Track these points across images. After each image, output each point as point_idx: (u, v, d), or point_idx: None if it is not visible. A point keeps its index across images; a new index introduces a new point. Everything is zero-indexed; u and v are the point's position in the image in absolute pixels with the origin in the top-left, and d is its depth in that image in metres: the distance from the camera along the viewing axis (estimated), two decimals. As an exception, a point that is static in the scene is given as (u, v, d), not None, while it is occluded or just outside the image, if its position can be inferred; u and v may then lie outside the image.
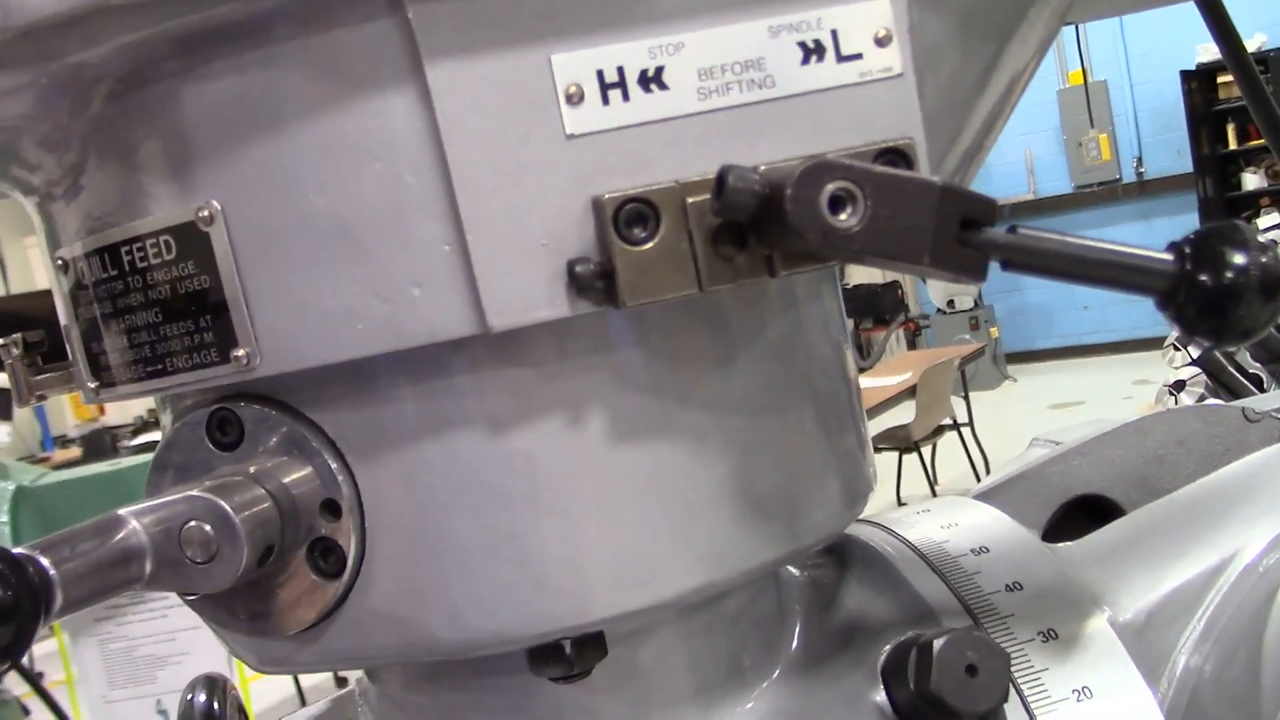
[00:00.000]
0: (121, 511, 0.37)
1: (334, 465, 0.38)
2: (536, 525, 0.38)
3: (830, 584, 0.51)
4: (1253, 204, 9.06)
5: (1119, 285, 0.35)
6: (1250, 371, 1.05)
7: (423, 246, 0.34)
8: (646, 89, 0.35)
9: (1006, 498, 0.59)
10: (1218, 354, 1.07)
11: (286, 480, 0.38)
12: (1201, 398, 1.02)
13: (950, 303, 9.66)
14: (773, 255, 0.35)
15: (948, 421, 6.13)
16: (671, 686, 0.44)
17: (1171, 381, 0.99)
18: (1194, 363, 1.06)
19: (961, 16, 0.40)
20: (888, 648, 0.46)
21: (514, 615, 0.38)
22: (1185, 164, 9.25)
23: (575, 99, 0.34)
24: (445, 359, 0.37)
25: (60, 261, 0.40)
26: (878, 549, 0.51)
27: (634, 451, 0.38)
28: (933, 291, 9.60)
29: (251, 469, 0.38)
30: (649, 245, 0.34)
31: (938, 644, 0.42)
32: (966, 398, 6.39)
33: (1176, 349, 0.99)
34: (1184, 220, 9.07)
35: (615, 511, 0.38)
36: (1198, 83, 9.02)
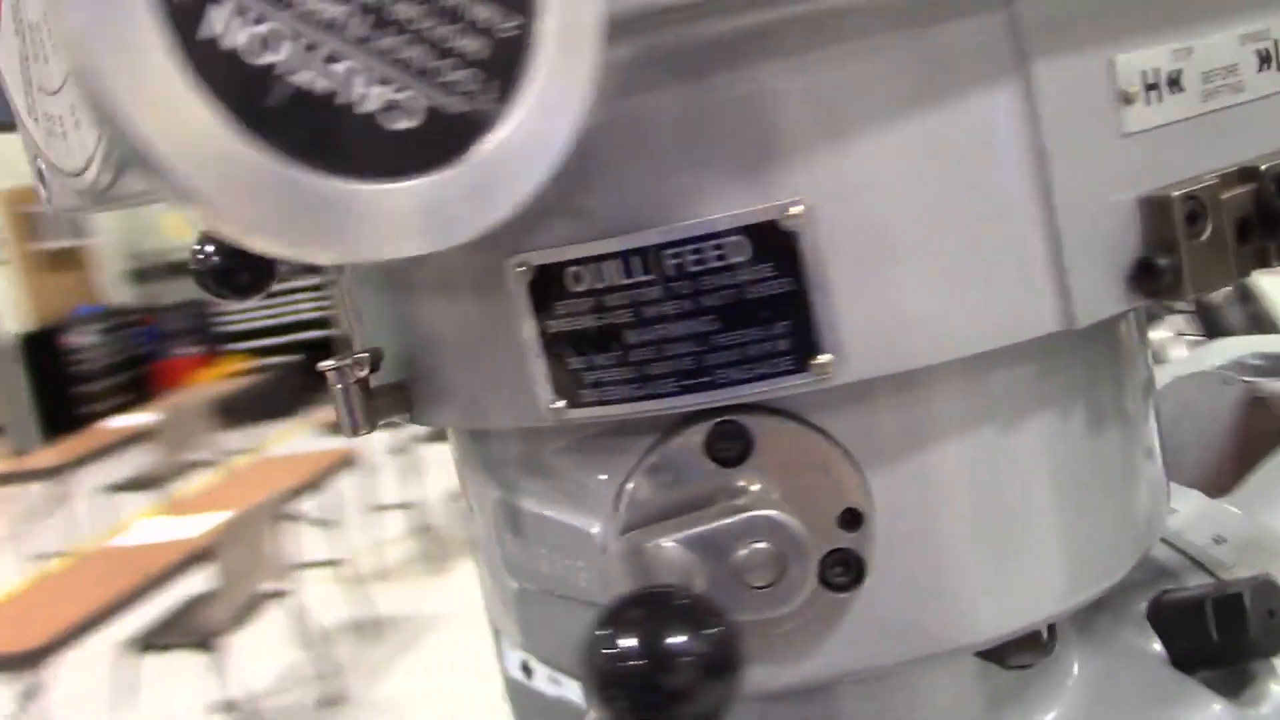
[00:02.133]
0: (664, 542, 0.34)
1: (852, 473, 0.36)
2: (1036, 520, 0.38)
3: None
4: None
5: None
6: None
7: (1018, 245, 0.34)
8: (1172, 91, 0.37)
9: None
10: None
11: (804, 492, 0.36)
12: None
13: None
14: (1269, 247, 0.38)
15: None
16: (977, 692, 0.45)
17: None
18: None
19: None
20: (1143, 604, 0.50)
21: (1016, 607, 0.38)
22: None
23: (1130, 99, 0.35)
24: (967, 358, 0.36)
25: (522, 269, 0.35)
26: None
27: (1091, 446, 0.40)
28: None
29: (764, 484, 0.36)
30: (1203, 239, 0.36)
31: (1247, 595, 0.47)
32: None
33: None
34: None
35: (1089, 503, 0.39)
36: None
